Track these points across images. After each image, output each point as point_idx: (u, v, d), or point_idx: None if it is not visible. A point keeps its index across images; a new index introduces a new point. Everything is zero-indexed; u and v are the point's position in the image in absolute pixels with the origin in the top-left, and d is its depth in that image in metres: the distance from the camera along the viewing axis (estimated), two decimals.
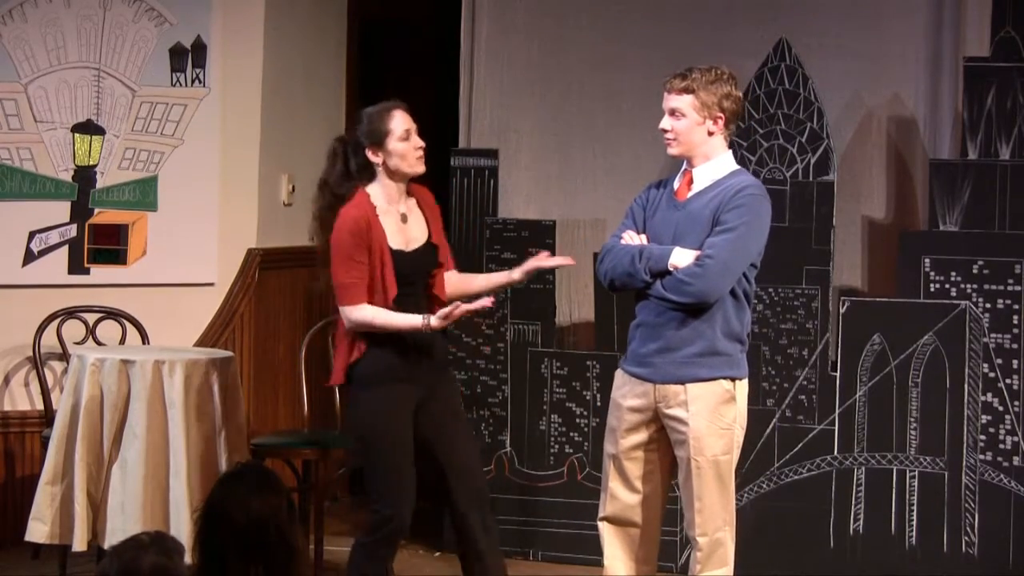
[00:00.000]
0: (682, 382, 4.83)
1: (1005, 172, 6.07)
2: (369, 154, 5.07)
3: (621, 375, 5.00)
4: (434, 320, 5.00)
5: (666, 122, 4.88)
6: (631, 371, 4.95)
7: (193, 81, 6.81)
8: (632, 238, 4.93)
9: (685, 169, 4.94)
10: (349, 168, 5.11)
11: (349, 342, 5.10)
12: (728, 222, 4.78)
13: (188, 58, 6.80)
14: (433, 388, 5.15)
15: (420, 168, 5.11)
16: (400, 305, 5.06)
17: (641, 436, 4.94)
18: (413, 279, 5.09)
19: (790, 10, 6.36)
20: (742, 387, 4.90)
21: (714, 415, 4.83)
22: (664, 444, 4.94)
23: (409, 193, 5.18)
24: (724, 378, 4.85)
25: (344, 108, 7.62)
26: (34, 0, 6.68)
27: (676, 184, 4.95)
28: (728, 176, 4.89)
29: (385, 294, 5.04)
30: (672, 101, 4.87)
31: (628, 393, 4.94)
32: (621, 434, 4.95)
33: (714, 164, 4.90)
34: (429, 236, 5.17)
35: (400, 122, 5.07)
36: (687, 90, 4.84)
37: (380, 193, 5.11)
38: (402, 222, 5.13)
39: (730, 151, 4.95)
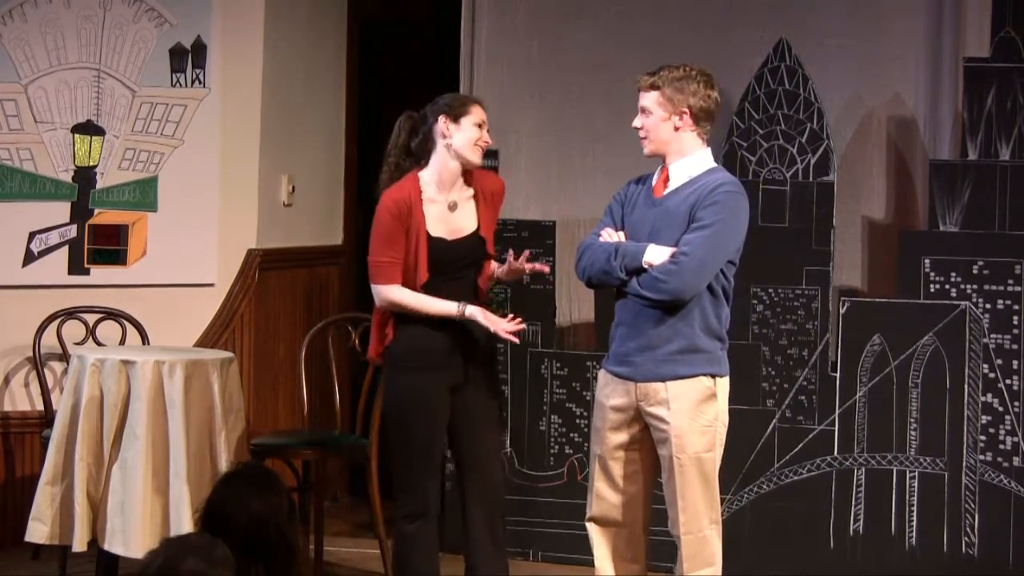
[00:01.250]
0: (663, 380, 4.84)
1: (1005, 172, 6.07)
2: (441, 122, 5.13)
3: (604, 375, 5.01)
4: (470, 309, 5.06)
5: (637, 120, 4.94)
6: (613, 370, 4.95)
7: (193, 81, 6.81)
8: (610, 235, 4.95)
9: (662, 166, 4.96)
10: (410, 143, 5.20)
11: (382, 323, 5.17)
12: (703, 219, 4.79)
13: (188, 58, 6.80)
14: (469, 377, 5.18)
15: (477, 159, 5.19)
16: (441, 293, 5.12)
17: (624, 435, 4.94)
18: (451, 268, 5.13)
19: (790, 10, 6.35)
20: (723, 384, 4.89)
21: (695, 412, 4.83)
22: (648, 443, 4.93)
23: (468, 181, 5.22)
24: (704, 375, 4.85)
25: (344, 109, 7.62)
26: (34, 0, 6.69)
27: (654, 181, 4.97)
28: (704, 174, 4.90)
29: (415, 279, 5.10)
30: (641, 99, 4.93)
31: (611, 393, 4.95)
32: (605, 434, 4.97)
33: (689, 161, 4.91)
34: (478, 228, 5.20)
35: (480, 112, 5.19)
36: (653, 87, 4.89)
37: (432, 179, 5.18)
38: (449, 211, 5.17)
39: (708, 149, 4.96)
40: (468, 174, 5.21)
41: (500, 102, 6.66)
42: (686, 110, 4.86)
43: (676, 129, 4.88)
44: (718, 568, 4.90)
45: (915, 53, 6.25)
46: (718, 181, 4.87)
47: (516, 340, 5.18)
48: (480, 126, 5.16)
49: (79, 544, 5.71)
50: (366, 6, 7.75)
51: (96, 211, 6.75)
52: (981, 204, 6.08)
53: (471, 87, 6.68)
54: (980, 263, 6.07)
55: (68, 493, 5.72)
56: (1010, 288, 6.05)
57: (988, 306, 6.07)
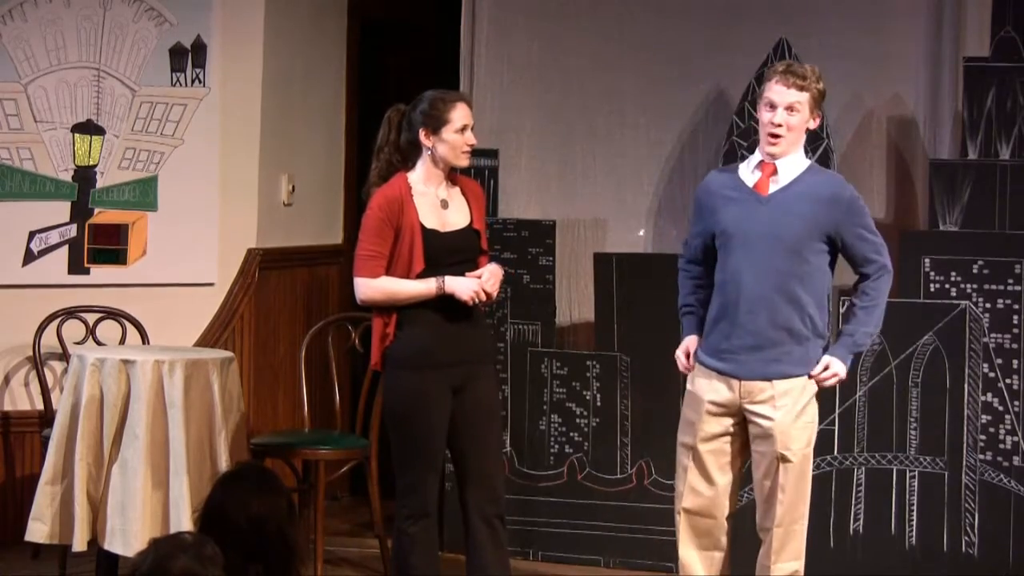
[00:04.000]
0: (769, 379, 4.95)
1: (1005, 172, 6.07)
2: (421, 135, 5.15)
3: (700, 368, 5.08)
4: (448, 282, 5.07)
5: (781, 116, 4.97)
6: (712, 365, 5.04)
7: (193, 81, 6.81)
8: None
9: (761, 161, 5.04)
10: (400, 139, 5.21)
11: (381, 326, 5.16)
12: (870, 227, 5.06)
13: (188, 58, 6.80)
14: (468, 380, 5.18)
15: (464, 162, 5.21)
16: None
17: (719, 428, 5.05)
18: (445, 260, 5.14)
19: (790, 10, 6.35)
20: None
21: (799, 411, 4.95)
22: (742, 437, 5.05)
23: (453, 182, 5.25)
24: (807, 375, 4.99)
25: (344, 108, 7.62)
26: (34, 0, 6.69)
27: (751, 179, 5.05)
28: (808, 172, 5.05)
29: (410, 269, 5.10)
30: (790, 96, 4.97)
31: (709, 387, 5.04)
32: (700, 426, 5.06)
33: (793, 159, 5.03)
34: (471, 222, 5.23)
35: (461, 116, 5.16)
36: (805, 88, 4.97)
37: (420, 176, 5.19)
38: (441, 207, 5.18)
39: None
40: (452, 173, 5.24)
41: (500, 102, 6.67)
42: (821, 113, 5.05)
43: (809, 130, 5.05)
44: (802, 562, 5.04)
45: (915, 53, 6.25)
46: (839, 184, 5.07)
47: (486, 299, 5.15)
48: (462, 130, 5.15)
49: (79, 544, 5.72)
50: (366, 6, 7.75)
51: (96, 210, 6.75)
52: (981, 204, 6.08)
53: (471, 87, 6.67)
54: (980, 263, 6.07)
55: (68, 493, 5.73)
56: (1010, 288, 6.05)
57: (988, 306, 6.07)
